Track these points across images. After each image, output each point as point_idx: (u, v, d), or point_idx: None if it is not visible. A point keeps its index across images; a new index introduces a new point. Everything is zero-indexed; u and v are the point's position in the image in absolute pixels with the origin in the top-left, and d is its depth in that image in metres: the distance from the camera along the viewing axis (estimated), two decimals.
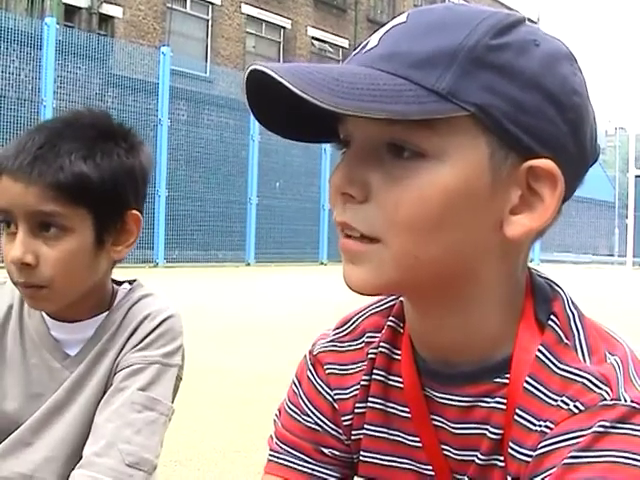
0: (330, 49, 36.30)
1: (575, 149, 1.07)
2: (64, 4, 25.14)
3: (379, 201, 1.04)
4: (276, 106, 1.08)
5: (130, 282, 1.94)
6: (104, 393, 1.77)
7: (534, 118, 1.02)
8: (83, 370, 1.79)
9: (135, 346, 1.79)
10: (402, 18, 1.08)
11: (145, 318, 1.82)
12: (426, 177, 1.01)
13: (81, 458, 1.70)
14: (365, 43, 1.09)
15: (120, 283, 1.93)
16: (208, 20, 31.33)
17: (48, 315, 1.82)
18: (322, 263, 25.76)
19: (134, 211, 1.80)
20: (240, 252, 23.56)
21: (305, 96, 0.96)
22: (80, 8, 26.17)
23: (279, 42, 34.54)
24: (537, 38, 1.06)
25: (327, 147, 25.11)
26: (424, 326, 1.17)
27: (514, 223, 1.05)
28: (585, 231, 38.07)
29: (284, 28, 34.56)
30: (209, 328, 9.07)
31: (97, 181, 1.70)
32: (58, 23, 20.09)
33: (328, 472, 1.32)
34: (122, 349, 1.80)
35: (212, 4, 31.32)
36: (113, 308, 1.85)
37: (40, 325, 1.83)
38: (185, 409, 5.09)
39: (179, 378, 1.87)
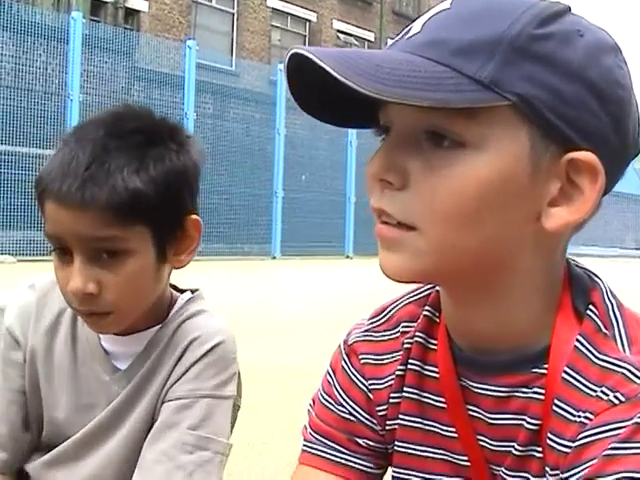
0: (355, 42, 36.20)
1: (617, 142, 1.06)
2: None
3: (417, 189, 1.03)
4: (315, 90, 1.08)
5: (192, 291, 1.83)
6: (152, 417, 1.69)
7: (576, 110, 1.02)
8: (133, 389, 1.70)
9: (183, 374, 1.67)
10: (446, 4, 1.08)
11: (194, 340, 1.70)
12: (465, 167, 1.01)
13: None
14: (408, 29, 1.09)
15: (182, 291, 1.82)
16: (233, 14, 31.33)
17: None
18: (348, 256, 25.71)
19: (193, 216, 1.71)
20: (266, 245, 23.56)
21: (346, 81, 0.95)
22: (106, 2, 26.23)
23: (304, 35, 34.49)
24: (581, 28, 1.05)
25: (353, 140, 25.15)
26: (460, 315, 1.17)
27: (553, 215, 1.04)
28: (612, 224, 37.90)
29: (309, 21, 34.51)
30: (234, 321, 9.07)
31: (153, 194, 1.56)
32: (84, 17, 20.11)
33: (362, 462, 1.31)
34: (171, 373, 1.69)
35: None
36: (165, 323, 1.73)
37: (92, 335, 1.73)
38: None
39: (237, 407, 1.79)
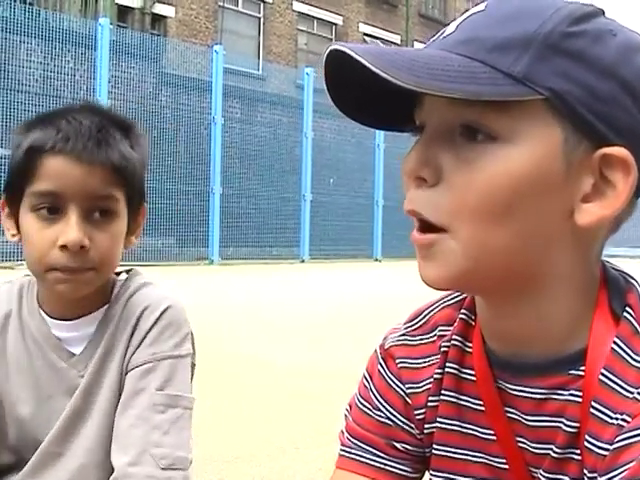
0: (382, 45, 36.16)
1: None
2: (117, 5, 25.31)
3: (449, 183, 1.04)
4: (352, 89, 1.09)
5: (127, 271, 1.91)
6: (120, 392, 1.76)
7: (609, 106, 1.02)
8: (93, 372, 1.77)
9: (141, 341, 1.77)
10: (481, 7, 1.09)
11: (145, 310, 1.79)
12: (497, 160, 1.02)
13: (111, 464, 1.69)
14: (443, 30, 1.10)
15: (117, 273, 1.90)
16: (260, 18, 31.38)
17: (47, 315, 1.80)
18: (376, 259, 25.71)
19: (144, 203, 1.86)
20: (294, 249, 23.59)
21: (384, 74, 0.96)
22: (133, 8, 26.34)
23: (330, 39, 34.42)
24: (614, 29, 1.06)
25: (380, 143, 25.13)
26: (495, 316, 1.16)
27: (585, 211, 1.04)
28: None
29: (335, 25, 34.51)
30: (264, 324, 9.10)
31: (139, 167, 1.76)
32: (111, 23, 20.23)
33: (400, 466, 1.32)
34: (128, 346, 1.77)
35: (264, 2, 31.37)
36: (112, 301, 1.82)
37: (42, 325, 1.80)
38: (243, 404, 5.13)
39: (193, 365, 1.84)
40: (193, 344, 1.84)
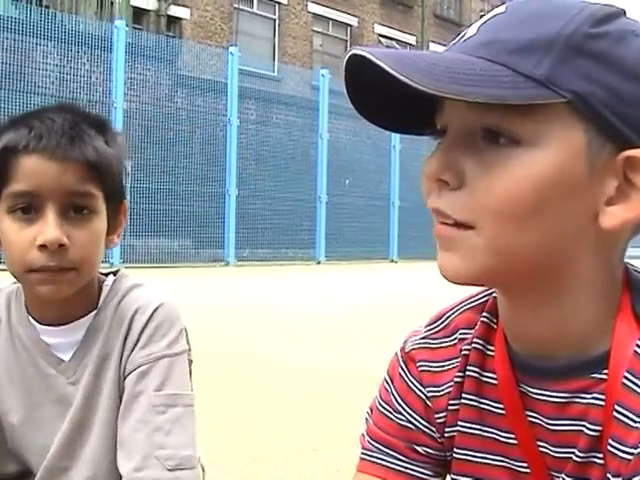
0: (397, 46, 36.17)
1: None
2: (132, 7, 25.40)
3: (473, 187, 1.03)
4: (372, 93, 1.09)
5: (114, 273, 1.89)
6: (120, 398, 1.75)
7: (632, 108, 1.01)
8: (90, 381, 1.76)
9: (135, 345, 1.75)
10: (501, 9, 1.09)
11: (136, 312, 1.77)
12: (520, 164, 1.01)
13: (118, 472, 1.69)
14: (463, 33, 1.10)
15: (105, 276, 1.88)
16: (275, 19, 31.46)
17: (36, 321, 1.78)
18: (392, 260, 25.72)
19: (125, 201, 1.84)
20: (310, 250, 23.61)
21: (404, 79, 0.95)
22: (148, 10, 26.44)
23: (346, 40, 34.53)
24: (636, 29, 1.05)
25: (396, 144, 25.16)
26: (518, 319, 1.15)
27: (609, 214, 1.03)
28: None
29: (351, 26, 34.56)
30: (280, 325, 9.11)
31: (115, 164, 1.73)
32: (127, 26, 20.31)
33: (421, 470, 1.31)
34: (123, 350, 1.76)
35: (279, 3, 31.45)
36: (101, 306, 1.80)
37: (31, 331, 1.79)
38: (261, 406, 5.13)
39: (190, 361, 1.83)
40: (187, 340, 1.83)
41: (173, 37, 25.03)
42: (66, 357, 1.77)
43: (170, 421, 1.69)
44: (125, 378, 1.74)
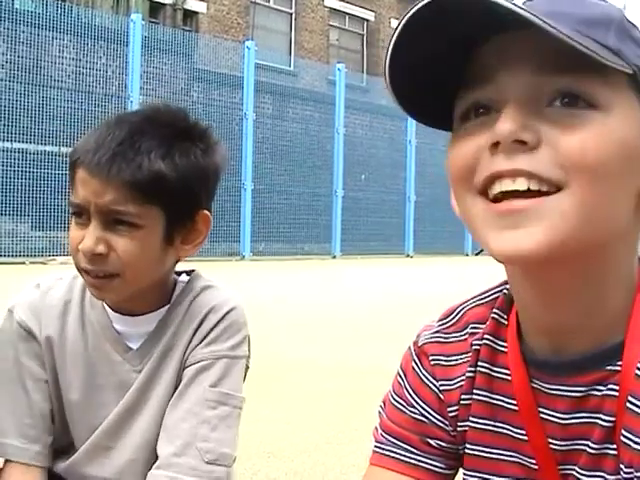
0: None
1: None
2: (149, 1, 25.48)
3: (555, 146, 0.99)
4: (405, 75, 1.10)
5: (188, 273, 1.95)
6: (176, 390, 1.80)
7: None
8: (152, 368, 1.83)
9: (202, 341, 1.82)
10: None
11: (210, 310, 1.84)
12: (602, 127, 1.00)
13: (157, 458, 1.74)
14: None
15: (179, 274, 1.94)
16: (292, 14, 31.46)
17: (110, 308, 1.84)
18: (408, 255, 25.71)
19: (205, 211, 1.82)
20: (326, 245, 23.64)
21: (546, 26, 0.94)
22: (165, 4, 26.49)
23: (362, 35, 34.54)
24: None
25: (412, 139, 25.15)
26: (542, 306, 1.13)
27: None
28: None
29: (367, 20, 34.54)
30: (295, 321, 9.11)
31: (173, 181, 1.70)
32: (143, 19, 20.38)
33: (434, 463, 1.32)
34: (189, 344, 1.83)
35: None
36: (174, 302, 1.87)
37: (102, 317, 1.86)
38: (276, 401, 5.13)
39: (247, 367, 1.89)
40: (249, 347, 1.89)
41: (189, 31, 25.02)
42: (134, 346, 1.84)
43: (218, 417, 1.76)
44: (184, 369, 1.82)
